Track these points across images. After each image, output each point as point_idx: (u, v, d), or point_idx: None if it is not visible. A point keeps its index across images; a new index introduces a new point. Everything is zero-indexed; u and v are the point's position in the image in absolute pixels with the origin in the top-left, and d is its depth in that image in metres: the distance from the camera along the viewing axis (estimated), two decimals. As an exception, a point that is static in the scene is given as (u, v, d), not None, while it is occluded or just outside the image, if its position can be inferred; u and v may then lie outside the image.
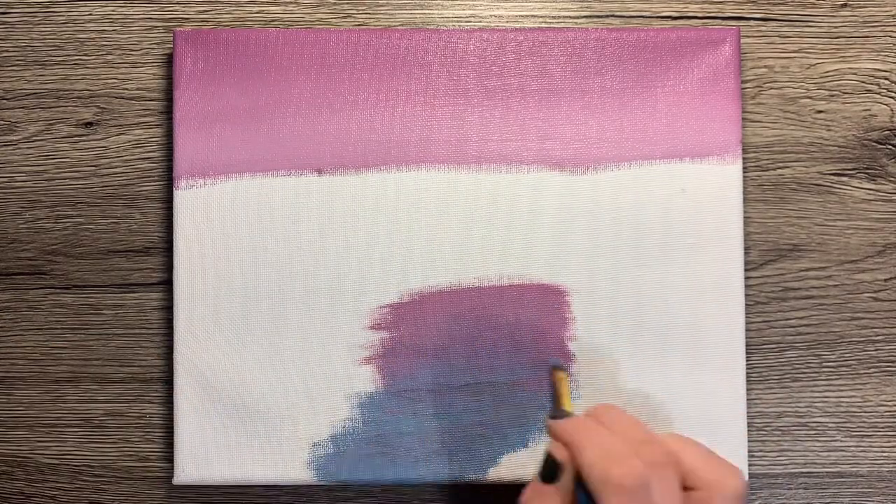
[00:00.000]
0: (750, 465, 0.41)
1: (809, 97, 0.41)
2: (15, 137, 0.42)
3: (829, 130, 0.41)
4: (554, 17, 0.42)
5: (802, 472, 0.41)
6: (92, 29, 0.42)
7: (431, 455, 0.40)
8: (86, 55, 0.42)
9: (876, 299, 0.41)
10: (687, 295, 0.40)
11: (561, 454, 0.32)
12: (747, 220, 0.41)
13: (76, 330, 0.42)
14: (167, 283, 0.41)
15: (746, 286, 0.40)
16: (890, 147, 0.41)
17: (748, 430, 0.40)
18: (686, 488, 0.30)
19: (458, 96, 0.40)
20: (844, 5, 0.42)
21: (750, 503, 0.42)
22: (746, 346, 0.40)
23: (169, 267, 0.41)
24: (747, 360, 0.41)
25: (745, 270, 0.40)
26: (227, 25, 0.42)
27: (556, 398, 0.36)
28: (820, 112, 0.41)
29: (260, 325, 0.40)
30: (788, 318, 0.41)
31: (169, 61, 0.42)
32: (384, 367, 0.40)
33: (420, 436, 0.40)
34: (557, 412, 0.34)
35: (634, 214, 0.40)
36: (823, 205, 0.41)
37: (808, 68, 0.41)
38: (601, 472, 0.30)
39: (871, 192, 0.41)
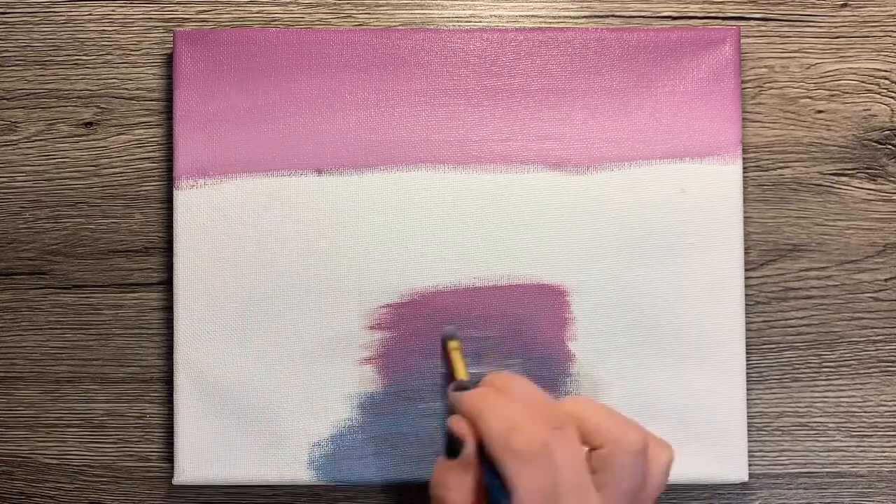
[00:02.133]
0: (750, 465, 0.41)
1: (809, 97, 0.41)
2: (15, 137, 0.42)
3: (829, 130, 0.41)
4: (554, 17, 0.42)
5: (802, 472, 0.41)
6: (92, 29, 0.42)
7: (431, 455, 0.40)
8: (86, 55, 0.42)
9: (876, 299, 0.41)
10: (687, 295, 0.40)
11: (460, 428, 0.32)
12: (747, 220, 0.41)
13: (76, 330, 0.42)
14: (167, 283, 0.41)
15: (746, 286, 0.40)
16: (890, 147, 0.41)
17: (748, 430, 0.40)
18: (590, 449, 0.30)
19: (458, 96, 0.40)
20: (844, 5, 0.41)
21: (750, 503, 0.42)
22: (746, 346, 0.40)
23: (169, 267, 0.41)
24: (747, 360, 0.41)
25: (745, 270, 0.40)
26: (227, 25, 0.42)
27: (451, 369, 0.36)
28: (820, 112, 0.41)
29: (260, 325, 0.40)
30: (788, 318, 0.41)
31: (169, 61, 0.42)
32: (384, 367, 0.40)
33: (420, 436, 0.40)
34: (458, 384, 0.34)
35: (634, 214, 0.40)
36: (823, 205, 0.41)
37: (808, 68, 0.41)
38: (502, 441, 0.30)
39: (871, 192, 0.41)
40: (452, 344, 0.36)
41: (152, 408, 0.42)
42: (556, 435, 0.30)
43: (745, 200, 0.41)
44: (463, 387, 0.33)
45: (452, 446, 0.32)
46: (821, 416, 0.41)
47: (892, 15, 0.41)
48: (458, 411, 0.33)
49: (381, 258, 0.40)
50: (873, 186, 0.41)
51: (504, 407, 0.31)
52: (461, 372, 0.36)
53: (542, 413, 0.31)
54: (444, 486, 0.32)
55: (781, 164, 0.41)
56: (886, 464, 0.41)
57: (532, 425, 0.30)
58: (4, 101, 0.42)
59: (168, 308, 0.41)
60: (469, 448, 0.31)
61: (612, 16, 0.42)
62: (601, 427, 0.31)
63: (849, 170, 0.41)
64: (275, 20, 0.42)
